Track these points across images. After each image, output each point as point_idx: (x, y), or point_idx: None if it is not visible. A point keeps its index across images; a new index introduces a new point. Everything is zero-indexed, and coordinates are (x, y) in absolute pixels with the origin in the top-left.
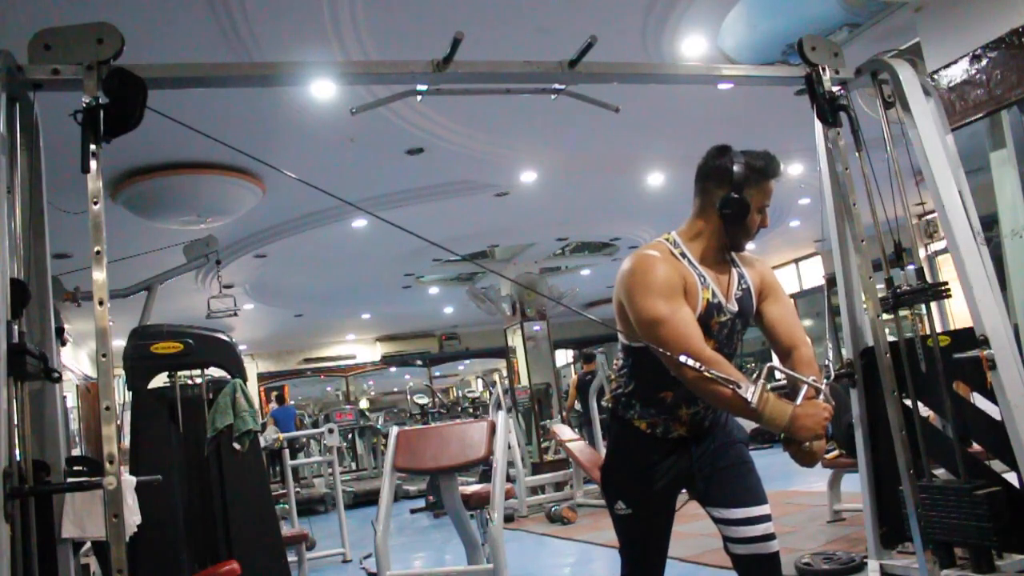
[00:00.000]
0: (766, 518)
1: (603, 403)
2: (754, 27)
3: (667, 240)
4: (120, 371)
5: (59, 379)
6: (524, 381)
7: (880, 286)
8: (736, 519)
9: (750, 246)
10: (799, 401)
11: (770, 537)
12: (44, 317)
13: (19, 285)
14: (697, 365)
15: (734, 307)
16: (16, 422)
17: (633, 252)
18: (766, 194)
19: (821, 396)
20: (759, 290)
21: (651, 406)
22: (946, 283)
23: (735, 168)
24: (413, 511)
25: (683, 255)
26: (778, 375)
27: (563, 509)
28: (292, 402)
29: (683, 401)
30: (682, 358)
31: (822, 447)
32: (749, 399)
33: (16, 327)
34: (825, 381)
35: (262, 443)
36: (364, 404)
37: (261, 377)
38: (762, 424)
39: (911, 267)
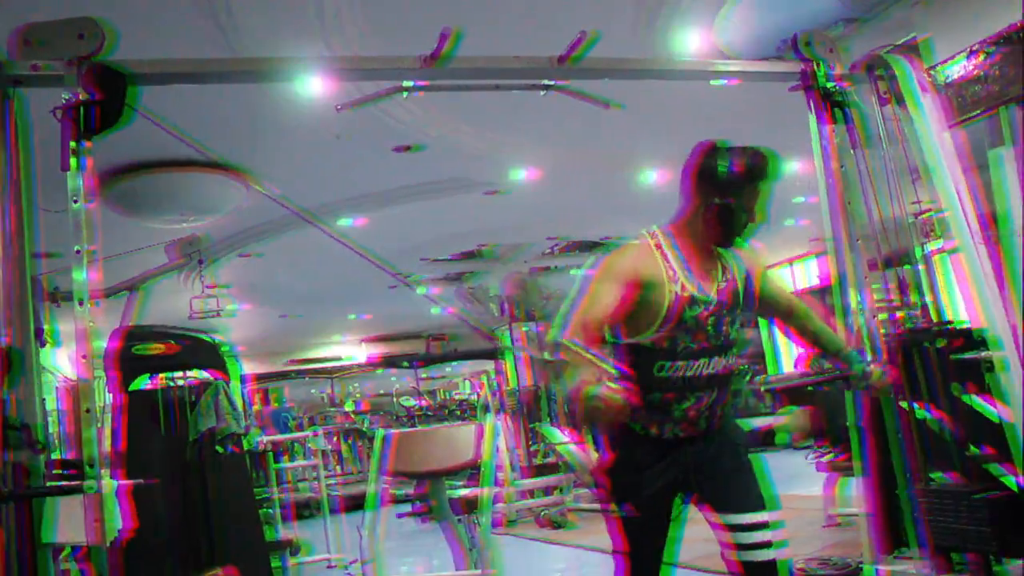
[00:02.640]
0: (764, 525)
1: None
2: (750, 21)
3: (649, 234)
4: (102, 373)
5: (43, 450)
6: (515, 383)
7: (878, 285)
8: (734, 525)
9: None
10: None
11: (767, 545)
12: (29, 377)
13: (5, 353)
14: (559, 338)
15: (715, 297)
16: None
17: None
18: (755, 195)
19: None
20: (755, 279)
21: (646, 405)
22: (952, 322)
23: (721, 171)
24: (401, 515)
25: (659, 247)
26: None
27: (554, 513)
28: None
29: (673, 399)
30: (554, 325)
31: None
32: (554, 371)
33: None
34: None
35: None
36: (351, 406)
37: (258, 378)
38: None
39: (909, 267)
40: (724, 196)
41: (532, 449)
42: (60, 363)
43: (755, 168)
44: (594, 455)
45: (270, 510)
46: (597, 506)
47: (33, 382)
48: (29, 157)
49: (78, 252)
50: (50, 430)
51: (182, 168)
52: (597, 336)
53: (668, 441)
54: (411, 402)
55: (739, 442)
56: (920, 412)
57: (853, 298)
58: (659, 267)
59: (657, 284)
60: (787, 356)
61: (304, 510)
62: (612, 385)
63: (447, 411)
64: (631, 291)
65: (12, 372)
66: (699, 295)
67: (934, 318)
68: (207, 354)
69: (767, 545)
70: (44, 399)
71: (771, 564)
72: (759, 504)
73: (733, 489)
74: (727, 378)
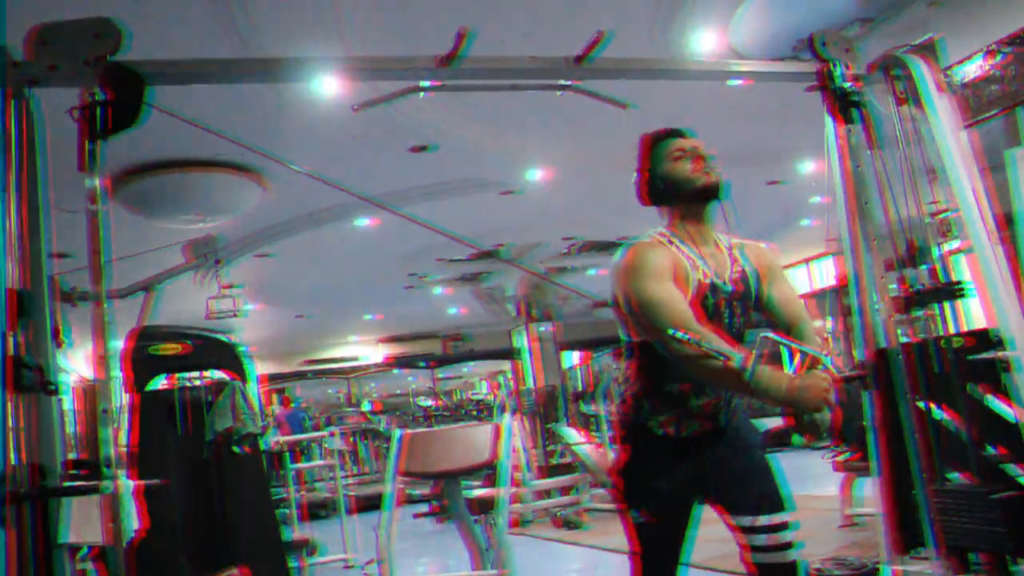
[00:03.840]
0: (784, 526)
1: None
2: (766, 22)
3: (658, 234)
4: (119, 373)
5: (56, 391)
6: (531, 383)
7: (894, 285)
8: (752, 527)
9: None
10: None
11: (788, 546)
12: (41, 323)
13: (18, 296)
14: (687, 337)
15: (731, 287)
16: (12, 425)
17: (626, 243)
18: (671, 152)
19: (822, 367)
20: (760, 274)
21: (661, 402)
22: (961, 282)
23: (654, 171)
24: (417, 516)
25: (671, 242)
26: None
27: (570, 513)
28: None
29: (692, 392)
30: (670, 331)
31: (828, 419)
32: (742, 367)
33: (14, 338)
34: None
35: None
36: (367, 407)
37: (270, 378)
38: (759, 398)
39: (924, 267)
40: (663, 167)
41: (548, 449)
42: (75, 363)
43: (655, 134)
44: (609, 455)
45: (286, 510)
46: (612, 506)
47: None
48: (44, 157)
49: (95, 252)
50: (66, 430)
51: (198, 168)
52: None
53: (684, 441)
54: (427, 402)
55: (754, 443)
56: (936, 412)
57: (869, 298)
58: (682, 258)
59: (683, 274)
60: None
61: (320, 510)
62: (819, 374)
63: (463, 411)
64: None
65: (23, 316)
66: (718, 282)
67: (951, 318)
68: (223, 354)
69: (787, 547)
70: (62, 399)
71: (791, 565)
72: (777, 506)
73: (749, 491)
74: None
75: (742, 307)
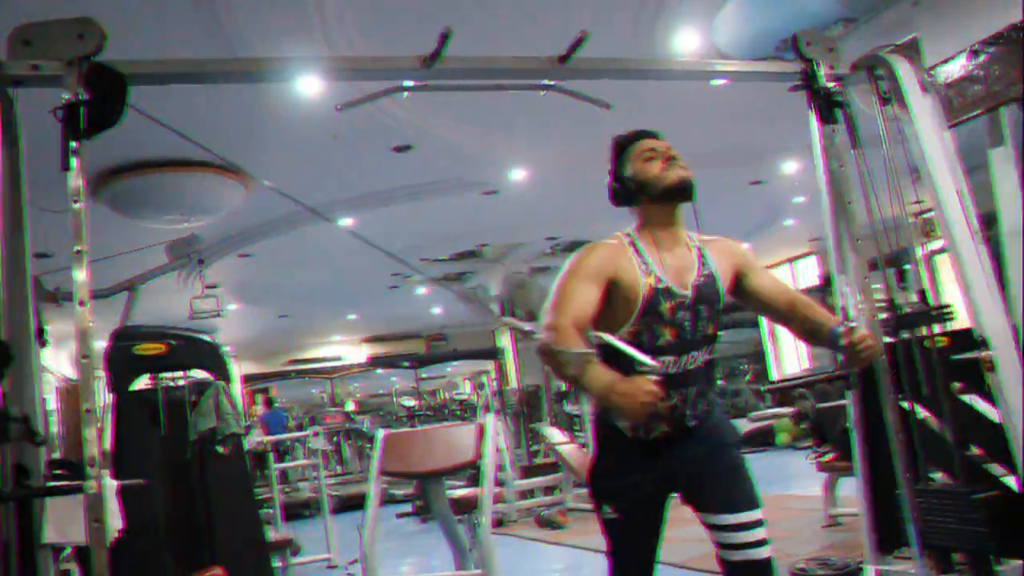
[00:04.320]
0: (758, 523)
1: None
2: (748, 21)
3: (624, 234)
4: (101, 373)
5: (42, 442)
6: (513, 383)
7: (877, 286)
8: (727, 524)
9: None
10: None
11: (762, 543)
12: (25, 368)
13: (1, 346)
14: (546, 334)
15: (687, 292)
16: None
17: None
18: (639, 152)
19: (650, 375)
20: (732, 272)
21: None
22: (949, 306)
23: (624, 176)
24: (400, 515)
25: (633, 244)
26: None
27: (554, 512)
28: (280, 404)
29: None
30: (527, 326)
31: (654, 425)
32: (567, 362)
33: None
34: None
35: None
36: (350, 406)
37: (249, 379)
38: (585, 392)
39: (907, 266)
40: (632, 168)
41: (531, 449)
42: (54, 363)
43: (623, 138)
44: (590, 454)
45: (269, 510)
46: (592, 506)
47: (34, 380)
48: (25, 157)
49: (78, 252)
50: (48, 431)
51: (180, 168)
52: (583, 335)
53: (654, 442)
54: (410, 402)
55: (727, 442)
56: (919, 412)
57: (852, 297)
58: (632, 263)
59: (631, 279)
60: (788, 356)
61: (303, 510)
62: (639, 379)
63: (446, 411)
64: (607, 288)
65: (7, 365)
66: (675, 288)
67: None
68: (205, 354)
69: (757, 544)
70: (45, 399)
71: (762, 563)
72: (747, 504)
73: (720, 489)
74: (707, 372)
75: (706, 311)
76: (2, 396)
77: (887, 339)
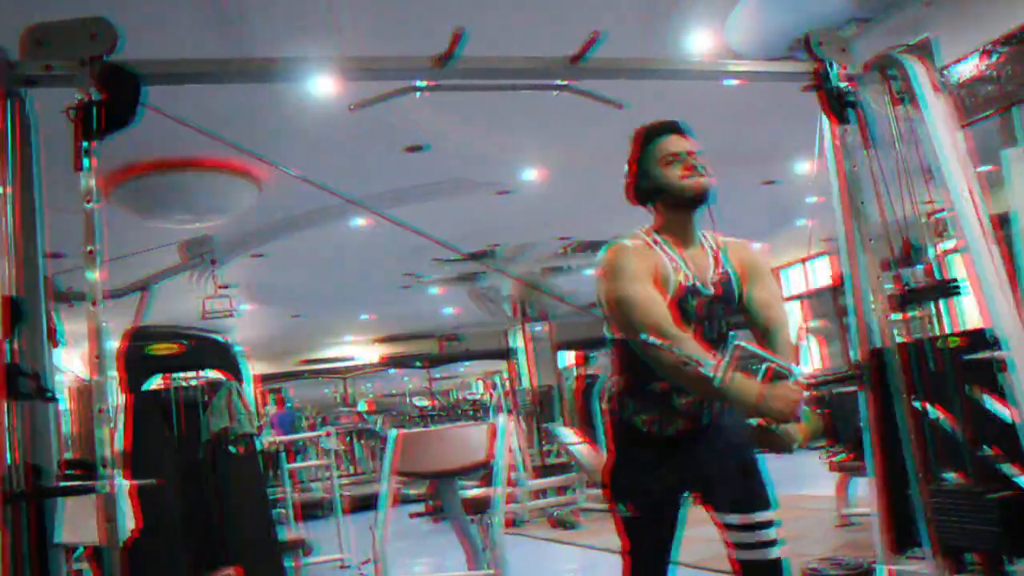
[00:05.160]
0: (771, 524)
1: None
2: (761, 22)
3: (643, 232)
4: (115, 373)
5: (53, 398)
6: (526, 383)
7: (889, 285)
8: (739, 524)
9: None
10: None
11: (774, 543)
12: (36, 328)
13: (13, 303)
14: (660, 342)
15: (711, 290)
16: (8, 426)
17: (609, 243)
18: (665, 149)
19: (792, 380)
20: (742, 274)
21: (645, 400)
22: (955, 280)
23: (641, 172)
24: (413, 515)
25: (656, 242)
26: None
27: (566, 513)
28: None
29: (675, 390)
30: (644, 335)
31: (798, 431)
32: (713, 375)
33: (9, 345)
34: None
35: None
36: (363, 407)
37: (262, 379)
38: (729, 403)
39: (919, 266)
40: (653, 169)
41: (543, 449)
42: (69, 363)
43: (648, 130)
44: (604, 455)
45: (282, 510)
46: (607, 506)
47: (48, 379)
48: (39, 157)
49: (91, 252)
50: (61, 431)
51: (194, 168)
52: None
53: (670, 440)
54: (423, 402)
55: (742, 441)
56: (931, 412)
57: (865, 298)
58: (664, 260)
59: (664, 275)
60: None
61: (316, 510)
62: (788, 384)
63: (458, 411)
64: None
65: (19, 322)
66: (699, 285)
67: (948, 318)
68: (218, 354)
69: (769, 544)
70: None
71: (774, 563)
72: (760, 504)
73: (733, 489)
74: None
75: (723, 310)
76: (16, 354)
77: (901, 339)
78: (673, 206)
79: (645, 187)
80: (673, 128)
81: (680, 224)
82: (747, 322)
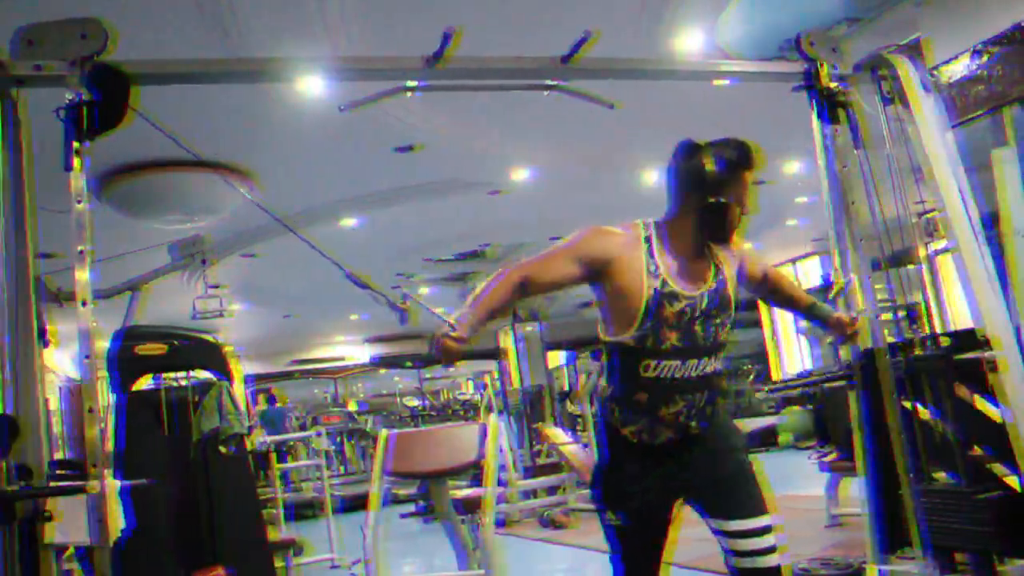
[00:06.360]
0: (767, 530)
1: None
2: (752, 22)
3: (644, 224)
4: (105, 373)
5: (49, 519)
6: (516, 383)
7: (880, 285)
8: (734, 531)
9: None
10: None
11: (771, 550)
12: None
13: (9, 422)
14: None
15: (695, 296)
16: None
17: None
18: (744, 186)
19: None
20: (748, 276)
21: (631, 409)
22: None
23: (709, 170)
24: (403, 516)
25: (647, 240)
26: None
27: (556, 513)
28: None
29: (660, 401)
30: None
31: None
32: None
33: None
34: None
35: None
36: (354, 407)
37: (257, 379)
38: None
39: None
40: (716, 194)
41: (535, 449)
42: (58, 363)
43: (741, 159)
44: (595, 456)
45: (272, 510)
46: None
47: (37, 381)
48: (31, 157)
49: (81, 252)
50: (54, 431)
51: (184, 168)
52: (527, 295)
53: (660, 448)
54: (414, 402)
55: (736, 446)
56: (923, 412)
57: (856, 298)
58: (640, 262)
59: (632, 275)
60: (790, 356)
61: (307, 510)
62: (453, 334)
63: (450, 411)
64: (590, 276)
65: (16, 440)
66: (683, 292)
67: (937, 318)
68: (209, 354)
69: (767, 551)
70: (48, 399)
71: (773, 570)
72: (756, 510)
73: (730, 495)
74: (716, 379)
75: (717, 317)
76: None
77: (891, 339)
78: (709, 229)
79: (709, 208)
80: (754, 163)
81: (694, 239)
82: (785, 306)
